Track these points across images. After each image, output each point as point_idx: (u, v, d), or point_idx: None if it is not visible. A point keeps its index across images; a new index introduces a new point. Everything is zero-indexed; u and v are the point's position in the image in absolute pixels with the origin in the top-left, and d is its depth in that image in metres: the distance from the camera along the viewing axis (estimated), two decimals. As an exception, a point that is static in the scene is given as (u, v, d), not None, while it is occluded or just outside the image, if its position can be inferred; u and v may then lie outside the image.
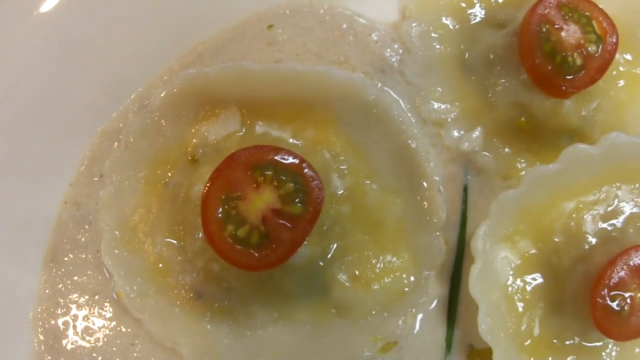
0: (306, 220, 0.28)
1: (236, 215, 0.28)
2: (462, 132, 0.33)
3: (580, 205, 0.32)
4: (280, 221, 0.27)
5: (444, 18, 0.34)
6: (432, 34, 0.33)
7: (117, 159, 0.31)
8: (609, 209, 0.32)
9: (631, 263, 0.31)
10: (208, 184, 0.28)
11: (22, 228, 0.32)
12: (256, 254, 0.27)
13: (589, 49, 0.31)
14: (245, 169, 0.28)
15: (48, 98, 0.32)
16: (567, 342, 0.33)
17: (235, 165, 0.28)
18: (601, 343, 0.33)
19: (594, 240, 0.31)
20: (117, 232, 0.31)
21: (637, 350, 0.34)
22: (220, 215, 0.28)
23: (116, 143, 0.32)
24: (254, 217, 0.28)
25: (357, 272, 0.30)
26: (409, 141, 0.32)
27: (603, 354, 0.34)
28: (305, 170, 0.28)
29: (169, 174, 0.31)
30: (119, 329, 0.31)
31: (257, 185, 0.28)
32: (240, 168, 0.28)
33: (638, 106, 0.35)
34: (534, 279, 0.32)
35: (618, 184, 0.32)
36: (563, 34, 0.31)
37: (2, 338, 0.32)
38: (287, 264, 0.29)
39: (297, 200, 0.28)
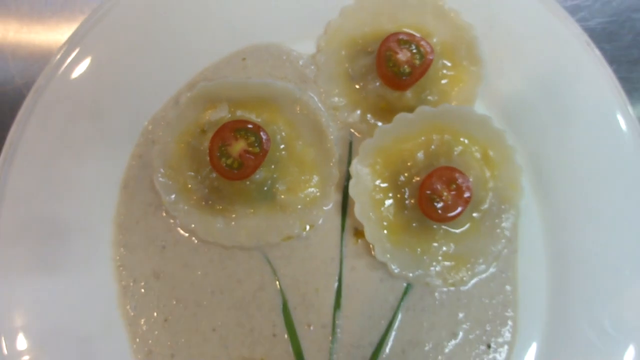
0: (260, 156, 0.54)
1: (226, 153, 0.53)
2: (349, 113, 0.58)
3: (413, 146, 0.56)
4: (248, 155, 0.53)
5: (340, 49, 0.60)
6: (332, 59, 0.58)
7: (162, 131, 0.57)
8: (430, 148, 0.57)
9: (441, 177, 0.56)
10: (212, 140, 0.55)
11: (108, 171, 0.56)
12: (236, 172, 0.53)
13: (415, 62, 0.57)
14: (230, 131, 0.54)
15: (126, 99, 0.57)
16: (413, 225, 0.57)
17: (225, 130, 0.54)
18: (435, 226, 0.57)
19: (422, 165, 0.56)
20: (162, 170, 0.56)
21: (460, 230, 0.57)
22: (218, 154, 0.54)
23: (162, 123, 0.57)
24: (235, 154, 0.53)
25: (289, 187, 0.55)
26: (319, 119, 0.57)
27: (436, 235, 0.58)
28: (261, 132, 0.54)
29: (190, 138, 0.58)
30: (163, 223, 0.57)
31: (236, 139, 0.54)
32: (228, 131, 0.54)
33: (455, 93, 0.59)
34: (388, 189, 0.57)
35: (434, 136, 0.57)
36: (399, 55, 0.56)
37: (92, 234, 0.54)
38: (252, 180, 0.55)
39: (256, 145, 0.53)
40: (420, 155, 0.55)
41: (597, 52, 0.58)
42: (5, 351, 0.51)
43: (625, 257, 0.56)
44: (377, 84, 0.57)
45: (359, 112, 0.57)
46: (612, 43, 0.67)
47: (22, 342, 0.51)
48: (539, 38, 0.58)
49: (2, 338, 0.51)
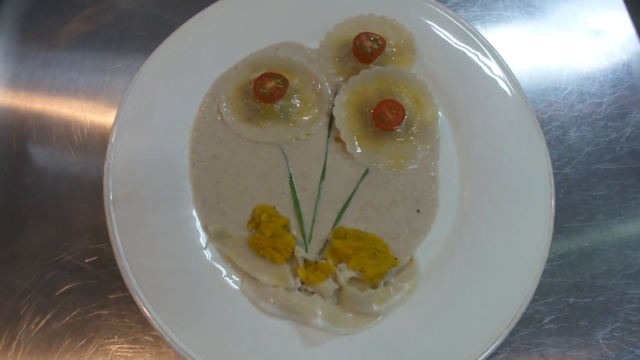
0: (282, 89, 0.96)
1: (263, 87, 0.96)
2: (336, 77, 1.00)
3: (371, 90, 0.97)
4: (275, 88, 0.96)
5: (333, 45, 1.07)
6: (328, 50, 1.01)
7: (226, 84, 1.02)
8: (381, 91, 0.99)
9: (387, 104, 0.97)
10: (255, 81, 0.99)
11: (193, 102, 0.96)
12: (268, 97, 0.95)
13: (375, 47, 1.02)
14: (266, 77, 0.98)
15: (209, 69, 1.06)
16: (372, 134, 0.97)
17: (264, 76, 0.97)
18: (385, 136, 0.97)
19: (376, 100, 0.97)
20: (224, 102, 1.00)
21: (399, 139, 0.98)
22: (259, 87, 0.97)
23: (226, 78, 1.01)
24: (268, 87, 0.95)
25: (298, 112, 0.94)
26: (319, 78, 1.00)
27: (386, 141, 0.98)
28: (282, 78, 1.00)
29: (242, 86, 1.01)
30: (222, 129, 0.99)
31: (269, 80, 0.97)
32: (265, 77, 0.97)
33: (398, 66, 1.05)
34: (356, 112, 0.98)
35: (383, 84, 1.00)
36: (365, 43, 1.02)
37: (179, 134, 0.92)
38: (277, 104, 0.96)
39: (280, 84, 0.97)
40: (375, 95, 0.98)
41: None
42: (111, 191, 0.89)
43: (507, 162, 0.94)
44: (353, 62, 1.02)
45: (342, 77, 1.03)
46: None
47: (123, 183, 0.90)
48: (452, 45, 1.05)
49: (111, 179, 0.90)
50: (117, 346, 0.85)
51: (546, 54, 1.09)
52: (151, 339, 0.86)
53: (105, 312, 0.87)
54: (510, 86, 0.99)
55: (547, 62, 1.08)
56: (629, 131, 1.00)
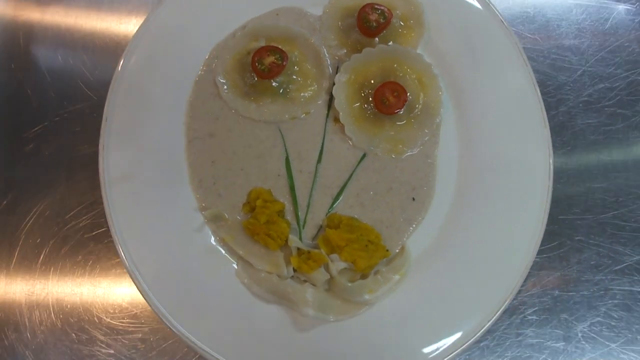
0: (281, 66, 0.93)
1: (261, 62, 0.93)
2: (339, 50, 0.97)
3: (374, 69, 0.95)
4: (274, 64, 0.94)
5: (337, 13, 1.01)
6: (331, 19, 0.98)
7: (223, 53, 0.99)
8: (384, 71, 0.97)
9: (388, 87, 0.94)
10: (254, 55, 0.96)
11: (188, 72, 0.93)
12: (266, 73, 0.92)
13: (380, 20, 0.97)
14: (265, 51, 0.95)
15: (204, 35, 1.02)
16: (371, 117, 0.96)
17: (262, 50, 0.95)
18: (385, 119, 0.95)
19: (378, 81, 0.95)
20: (221, 74, 0.97)
21: (400, 123, 0.96)
22: (256, 63, 0.94)
23: (224, 47, 0.99)
24: (266, 63, 0.92)
25: (297, 88, 0.94)
26: (320, 51, 0.97)
27: (385, 124, 0.96)
28: (282, 54, 0.96)
29: (240, 57, 0.98)
30: (218, 105, 0.97)
31: (268, 55, 0.95)
32: (264, 51, 0.95)
33: (405, 42, 0.97)
34: (356, 93, 0.96)
35: (387, 64, 0.97)
36: (370, 16, 0.97)
37: (174, 107, 0.92)
38: (275, 80, 0.94)
39: (279, 59, 0.94)
40: (377, 75, 0.95)
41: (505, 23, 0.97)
42: (104, 170, 0.90)
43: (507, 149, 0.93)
44: (357, 34, 0.98)
45: (345, 50, 0.99)
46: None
47: (119, 162, 0.89)
48: (462, 18, 0.99)
49: (106, 159, 0.91)
50: (118, 321, 0.89)
51: (563, 30, 1.03)
52: (150, 315, 0.90)
53: (105, 287, 0.90)
54: (521, 68, 0.95)
55: (562, 40, 1.03)
56: (638, 120, 0.98)
